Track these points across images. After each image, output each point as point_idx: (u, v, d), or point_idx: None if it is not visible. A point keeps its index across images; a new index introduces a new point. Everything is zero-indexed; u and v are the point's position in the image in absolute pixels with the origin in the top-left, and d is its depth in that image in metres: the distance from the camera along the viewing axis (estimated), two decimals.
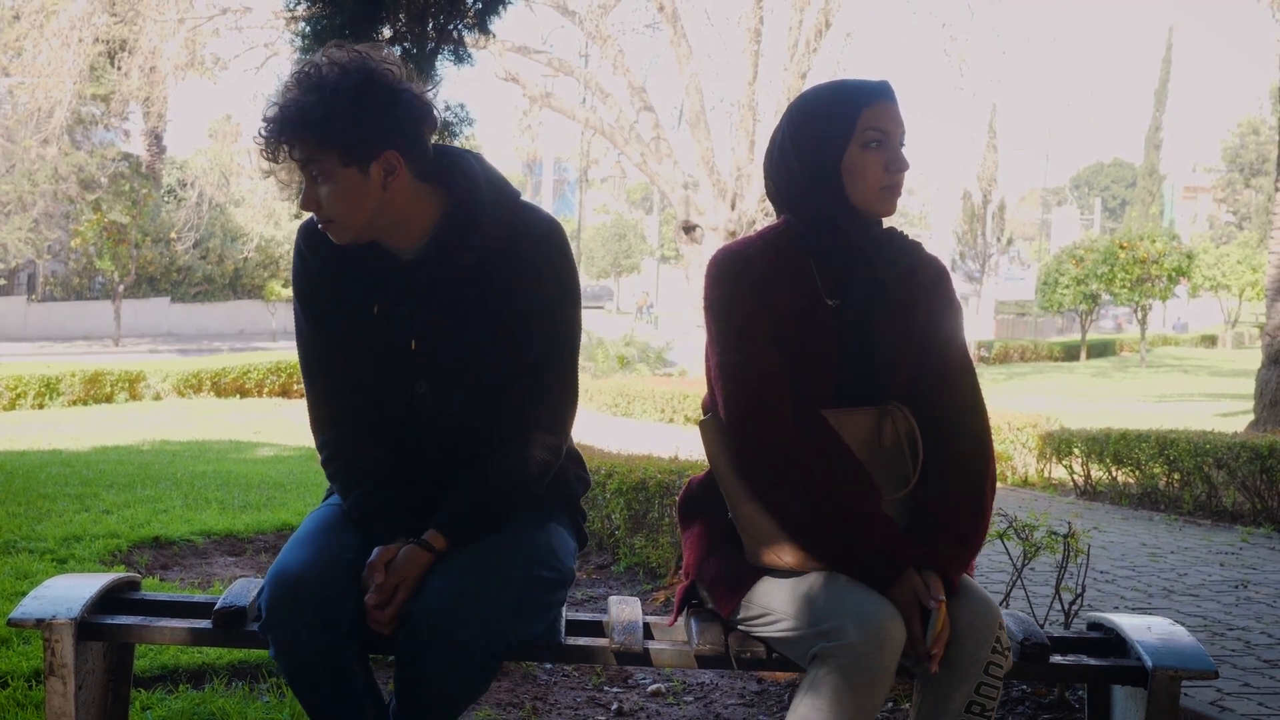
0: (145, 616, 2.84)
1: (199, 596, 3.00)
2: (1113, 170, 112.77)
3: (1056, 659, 2.79)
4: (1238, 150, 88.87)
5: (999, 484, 2.74)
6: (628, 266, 77.66)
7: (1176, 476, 9.80)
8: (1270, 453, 8.76)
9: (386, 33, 7.34)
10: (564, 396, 2.74)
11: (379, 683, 2.63)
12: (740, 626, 2.67)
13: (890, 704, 4.22)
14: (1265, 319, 15.65)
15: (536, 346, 2.68)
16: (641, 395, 21.18)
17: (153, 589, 4.02)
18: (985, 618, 2.48)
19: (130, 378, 21.44)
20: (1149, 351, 47.43)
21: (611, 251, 75.96)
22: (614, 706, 4.21)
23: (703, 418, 2.75)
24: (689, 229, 25.77)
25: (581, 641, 2.80)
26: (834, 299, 2.68)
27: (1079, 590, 4.32)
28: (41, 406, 19.66)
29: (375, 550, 2.54)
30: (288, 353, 24.99)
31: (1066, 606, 4.28)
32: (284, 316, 50.10)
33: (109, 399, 20.89)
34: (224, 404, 20.68)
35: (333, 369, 2.75)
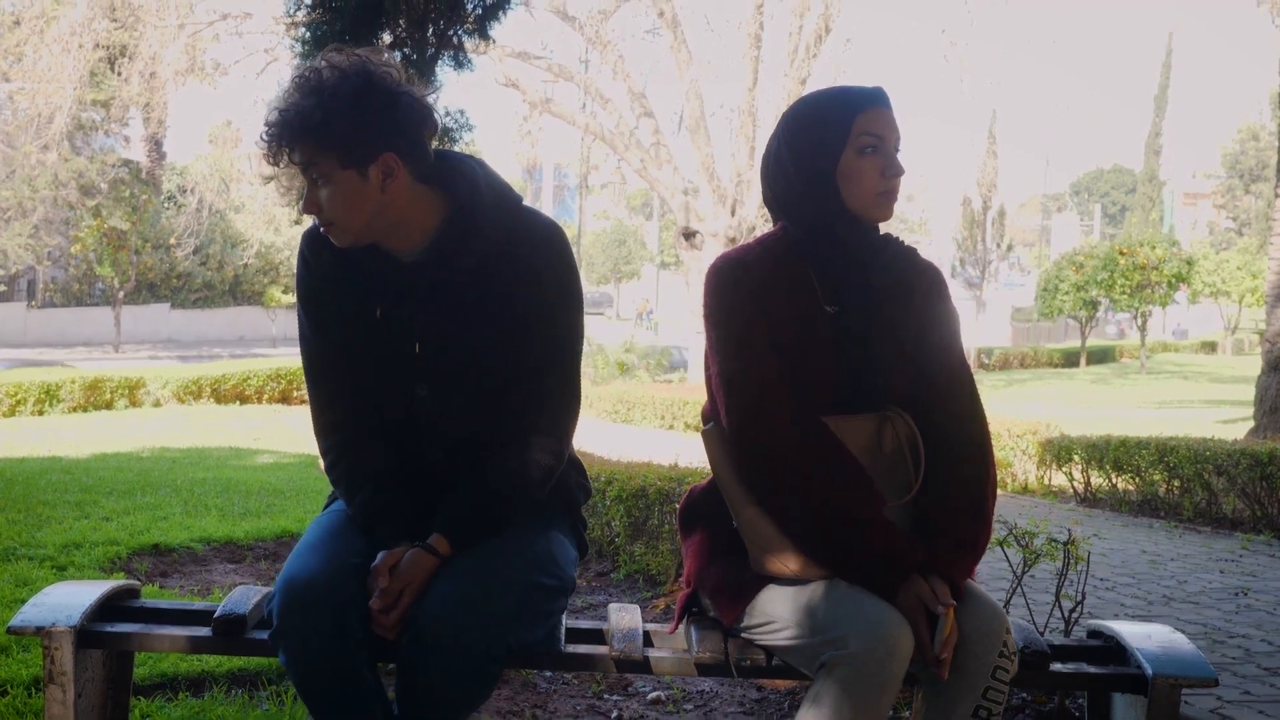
0: (145, 624, 2.84)
1: (198, 604, 3.00)
2: (1113, 176, 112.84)
3: (1057, 667, 2.79)
4: (1238, 156, 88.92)
5: (999, 491, 2.73)
6: (628, 273, 77.67)
7: (1176, 483, 9.80)
8: (1270, 460, 8.76)
9: (386, 38, 7.34)
10: (565, 401, 2.74)
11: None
12: (744, 634, 2.67)
13: (890, 713, 4.21)
14: (1265, 325, 15.65)
15: (538, 351, 2.68)
16: (641, 402, 21.20)
17: (152, 596, 4.03)
18: (992, 622, 2.47)
19: (130, 384, 21.46)
20: (1149, 358, 47.48)
21: (611, 258, 75.97)
22: (614, 714, 4.21)
23: (704, 427, 2.75)
24: (689, 235, 25.79)
25: (581, 649, 2.80)
26: (832, 305, 2.67)
27: (1079, 598, 4.32)
28: (41, 413, 19.67)
29: (380, 555, 2.54)
30: (287, 359, 25.01)
31: (1066, 614, 4.28)
32: (284, 323, 50.17)
33: (109, 406, 20.90)
34: (224, 410, 20.69)
35: (336, 373, 2.76)
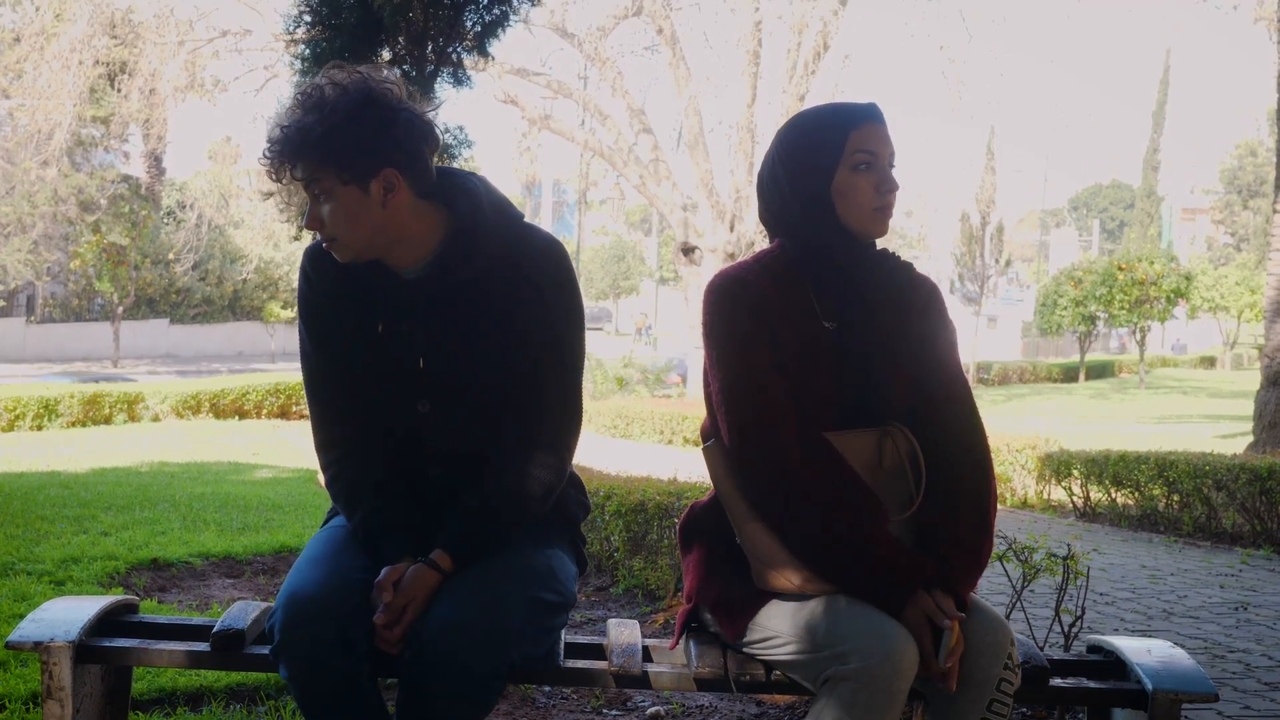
0: (143, 639, 2.83)
1: (197, 619, 3.00)
2: (1111, 192, 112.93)
3: (1056, 682, 2.78)
4: (1235, 172, 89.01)
5: (998, 506, 2.74)
6: (626, 288, 77.72)
7: (1176, 498, 9.80)
8: (1270, 474, 8.76)
9: (386, 55, 7.36)
10: (567, 417, 2.74)
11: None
12: (745, 650, 2.66)
13: None
14: (1264, 340, 15.66)
15: (539, 367, 2.69)
16: (640, 416, 21.20)
17: (151, 611, 4.02)
18: (996, 634, 2.48)
19: (129, 399, 21.45)
20: (1148, 373, 47.49)
21: (610, 273, 76.02)
22: None
23: (704, 444, 2.75)
24: (688, 251, 25.82)
25: (581, 664, 2.80)
26: (830, 321, 2.68)
27: (1079, 612, 4.31)
28: (40, 428, 19.66)
29: (384, 570, 2.54)
30: (286, 374, 25.02)
31: (1066, 629, 4.27)
32: (283, 338, 50.19)
33: (108, 420, 20.90)
34: (223, 425, 20.68)
35: (337, 389, 2.76)
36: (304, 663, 2.46)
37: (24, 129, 29.78)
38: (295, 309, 2.92)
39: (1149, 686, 2.68)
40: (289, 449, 15.63)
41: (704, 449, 2.74)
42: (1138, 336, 45.60)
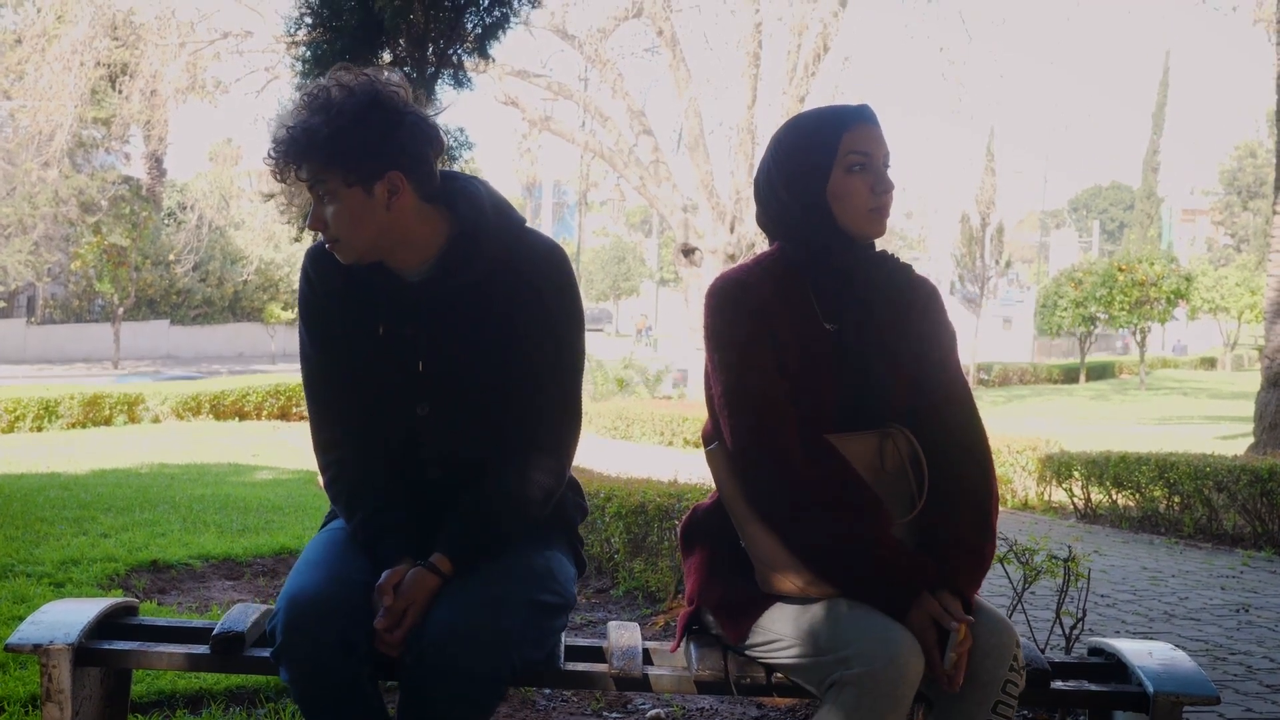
0: (143, 642, 2.83)
1: (196, 621, 3.00)
2: (1111, 193, 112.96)
3: (1058, 684, 2.78)
4: (1235, 173, 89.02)
5: (999, 507, 2.74)
6: (627, 289, 77.74)
7: (1177, 499, 9.80)
8: (1270, 476, 8.76)
9: (386, 57, 7.35)
10: (566, 421, 2.74)
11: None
12: (748, 653, 2.66)
13: None
14: (1264, 341, 15.65)
15: (539, 370, 2.69)
16: (641, 418, 21.19)
17: (150, 613, 4.01)
18: (1002, 635, 2.47)
19: (129, 400, 21.44)
20: (1148, 374, 47.49)
21: (610, 274, 76.05)
22: None
23: (707, 447, 2.75)
24: (688, 252, 25.82)
25: (581, 667, 2.80)
26: (831, 323, 2.68)
27: (1080, 615, 4.31)
28: (40, 429, 19.65)
29: (384, 573, 2.54)
30: (287, 375, 25.01)
31: (1067, 631, 4.27)
32: (283, 339, 50.20)
33: (108, 422, 20.88)
34: (223, 427, 20.67)
35: (337, 391, 2.76)
36: (305, 665, 2.46)
37: (25, 130, 29.79)
38: (296, 310, 2.92)
39: (1150, 689, 2.68)
40: (289, 450, 15.63)
41: (707, 452, 2.74)
42: (1138, 338, 45.60)
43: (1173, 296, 43.21)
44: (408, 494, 2.72)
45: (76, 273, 47.84)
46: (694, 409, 20.66)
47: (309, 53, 7.30)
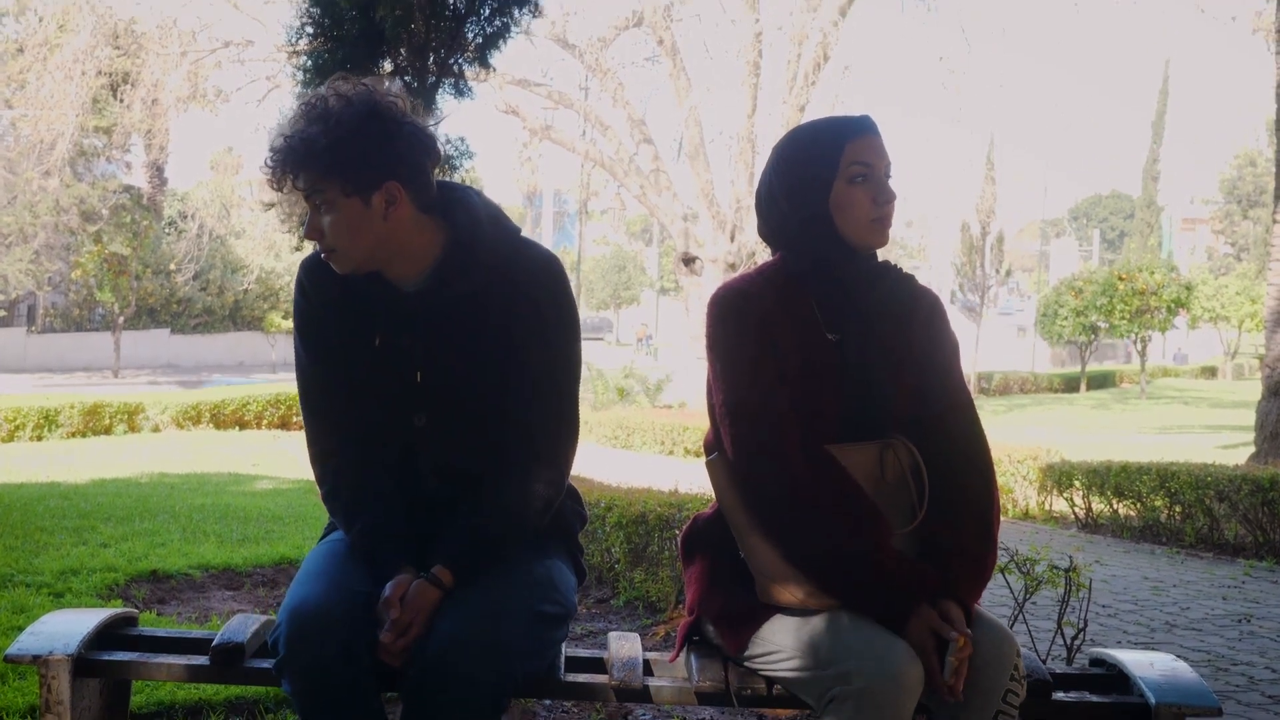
0: (142, 653, 2.83)
1: (196, 632, 2.99)
2: (1111, 202, 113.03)
3: (1059, 695, 2.78)
4: (1235, 182, 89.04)
5: (1000, 517, 2.74)
6: (627, 298, 77.75)
7: (1178, 509, 9.78)
8: (1272, 485, 8.75)
9: (387, 66, 7.35)
10: (564, 430, 2.74)
11: None
12: (747, 664, 2.66)
13: None
14: (1265, 350, 15.64)
15: (536, 380, 2.69)
16: (641, 427, 21.16)
17: (150, 624, 4.01)
18: (1003, 645, 2.47)
19: (129, 409, 21.41)
20: (1149, 383, 47.43)
21: (611, 283, 76.06)
22: None
23: (708, 457, 2.74)
24: (688, 261, 25.83)
25: (581, 678, 2.79)
26: (834, 334, 2.68)
27: (1081, 625, 4.31)
28: (40, 438, 19.63)
29: (388, 586, 2.54)
30: (287, 385, 24.98)
31: (1069, 641, 4.27)
32: (284, 348, 50.16)
33: (108, 431, 20.85)
34: (223, 436, 20.64)
35: (333, 401, 2.76)
36: (309, 677, 2.46)
37: (26, 139, 29.78)
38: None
39: (1152, 700, 2.68)
40: (289, 460, 15.61)
41: (707, 462, 2.74)
42: (1138, 347, 45.58)
43: (1173, 305, 43.17)
44: (406, 504, 2.71)
45: (77, 281, 47.81)
46: (694, 418, 20.64)
47: (310, 62, 7.30)
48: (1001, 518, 2.73)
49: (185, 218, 42.58)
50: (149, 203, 45.83)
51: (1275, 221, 15.38)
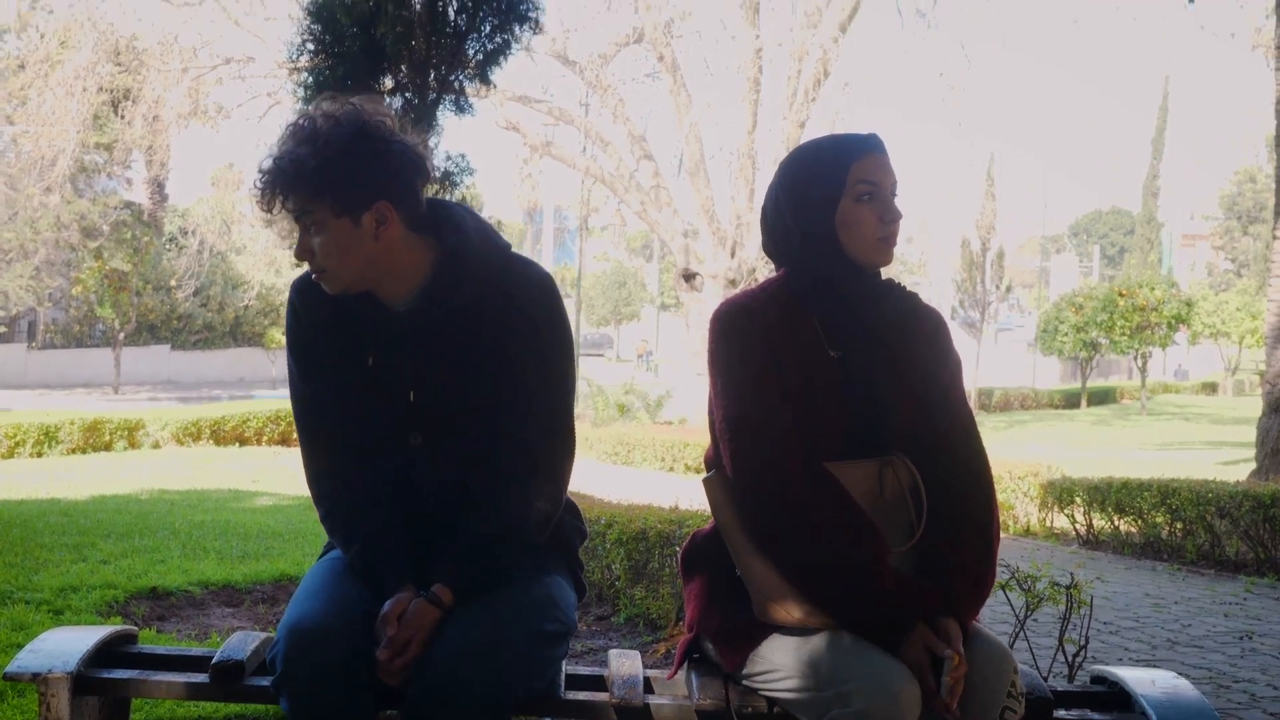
0: (142, 670, 2.82)
1: (196, 650, 2.99)
2: (1111, 218, 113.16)
3: (1060, 713, 2.77)
4: (1235, 198, 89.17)
5: (1000, 534, 2.73)
6: (628, 314, 77.79)
7: (1179, 526, 9.77)
8: (1273, 501, 8.74)
9: (388, 83, 7.36)
10: (560, 446, 2.74)
11: None
12: (745, 682, 2.65)
13: None
14: (1265, 366, 15.63)
15: (530, 396, 2.68)
16: (641, 444, 21.15)
17: (150, 641, 4.00)
18: (1000, 662, 2.47)
19: (129, 426, 21.40)
20: (1149, 399, 47.42)
21: (611, 299, 76.10)
22: None
23: (706, 474, 2.73)
24: (689, 277, 25.85)
25: (582, 696, 2.79)
26: (836, 350, 2.68)
27: (1082, 642, 4.30)
28: (40, 455, 19.62)
29: (387, 604, 2.53)
30: (288, 401, 24.94)
31: (1070, 659, 4.26)
32: (284, 364, 49.96)
33: (108, 447, 20.84)
34: (223, 452, 20.63)
35: (328, 422, 2.76)
36: (306, 695, 2.45)
37: (28, 155, 29.80)
38: None
39: (1154, 718, 2.67)
40: (289, 476, 15.59)
41: (704, 480, 2.73)
42: (1139, 362, 45.58)
43: (1173, 321, 43.18)
44: (405, 522, 2.71)
45: (78, 298, 47.81)
46: (694, 434, 20.63)
47: (311, 78, 7.31)
48: (1002, 534, 2.73)
49: (186, 234, 42.62)
50: (150, 219, 45.89)
51: (1275, 237, 15.39)
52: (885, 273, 2.75)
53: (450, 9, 7.45)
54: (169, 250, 48.17)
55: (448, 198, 7.70)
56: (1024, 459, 14.58)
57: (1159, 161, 79.49)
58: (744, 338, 2.64)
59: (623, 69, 28.80)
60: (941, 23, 46.83)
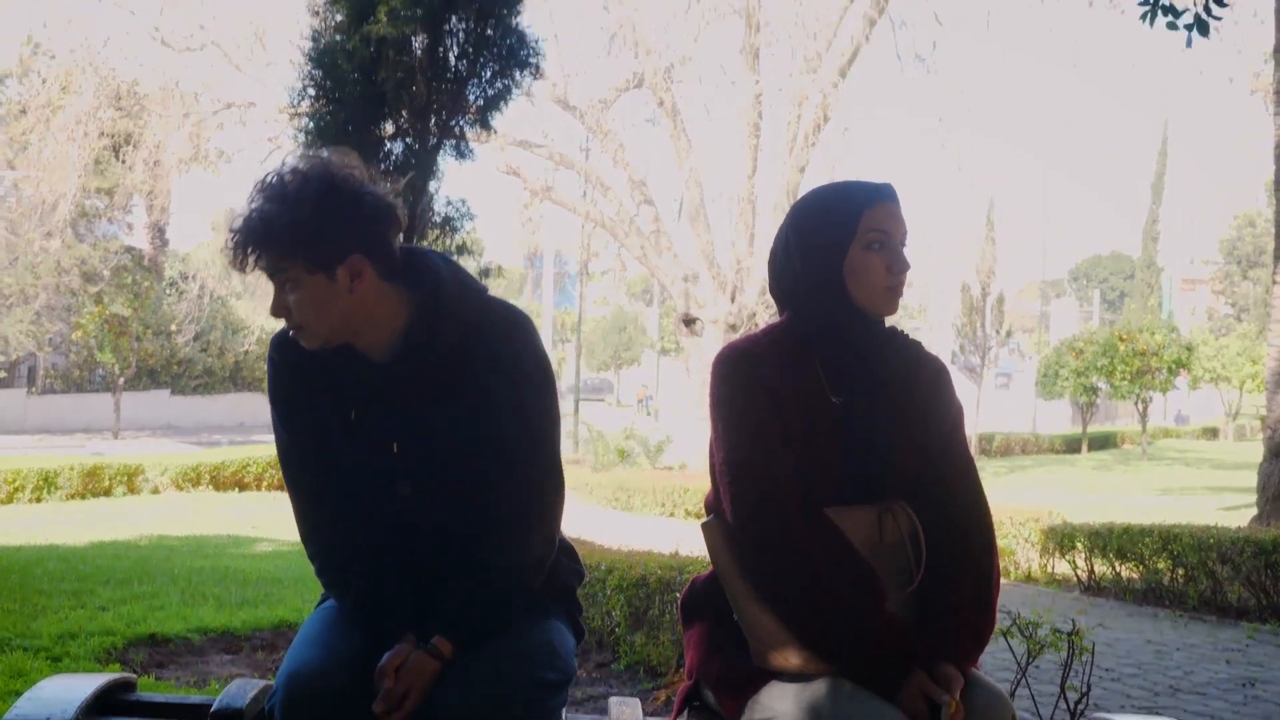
0: (140, 719, 2.80)
1: (195, 697, 2.97)
2: (1110, 262, 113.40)
3: None
4: (1235, 242, 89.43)
5: (1001, 579, 2.73)
6: (628, 359, 77.82)
7: (1181, 571, 9.75)
8: (1275, 547, 8.72)
9: (389, 129, 7.41)
10: (549, 487, 2.72)
11: None
12: None
13: None
14: (1266, 411, 15.62)
15: (515, 438, 2.67)
16: (642, 489, 21.11)
17: (148, 689, 3.97)
18: (999, 709, 2.46)
19: (129, 471, 21.38)
20: (1150, 444, 47.39)
21: (611, 344, 76.15)
22: None
23: (705, 518, 2.73)
24: (689, 321, 25.90)
25: None
26: (838, 396, 2.67)
27: (1084, 689, 4.28)
28: (39, 500, 19.59)
29: (385, 655, 2.52)
30: None
31: (1072, 706, 4.24)
32: None
33: (107, 493, 20.82)
34: (223, 498, 20.61)
35: (316, 477, 2.75)
36: None
37: (29, 200, 29.95)
38: None
39: None
40: (289, 522, 15.36)
41: (703, 525, 2.72)
42: (1140, 407, 45.56)
43: (1174, 366, 43.20)
44: (400, 572, 2.69)
45: (78, 343, 47.81)
46: (694, 479, 20.60)
47: (312, 124, 7.35)
48: (1003, 580, 2.72)
49: (186, 278, 42.63)
50: (150, 263, 46.02)
51: (1275, 282, 15.41)
52: (888, 320, 2.76)
53: (451, 55, 7.51)
54: (169, 295, 48.22)
55: (448, 243, 7.75)
56: (1025, 504, 14.57)
57: (1159, 206, 79.75)
58: (746, 381, 2.64)
59: (623, 114, 29.08)
60: (941, 68, 47.00)
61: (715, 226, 26.58)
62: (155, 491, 21.40)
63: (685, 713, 2.81)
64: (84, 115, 24.78)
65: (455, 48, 7.46)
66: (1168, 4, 7.28)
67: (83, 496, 20.26)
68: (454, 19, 7.38)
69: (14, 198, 35.65)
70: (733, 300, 25.19)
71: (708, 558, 2.72)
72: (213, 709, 2.71)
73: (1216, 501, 23.15)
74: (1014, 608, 4.30)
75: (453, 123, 7.51)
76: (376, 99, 7.25)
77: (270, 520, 16.07)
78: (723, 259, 25.81)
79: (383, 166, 7.27)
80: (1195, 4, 7.22)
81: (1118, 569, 10.56)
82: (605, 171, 27.24)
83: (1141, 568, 10.19)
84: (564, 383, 66.55)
